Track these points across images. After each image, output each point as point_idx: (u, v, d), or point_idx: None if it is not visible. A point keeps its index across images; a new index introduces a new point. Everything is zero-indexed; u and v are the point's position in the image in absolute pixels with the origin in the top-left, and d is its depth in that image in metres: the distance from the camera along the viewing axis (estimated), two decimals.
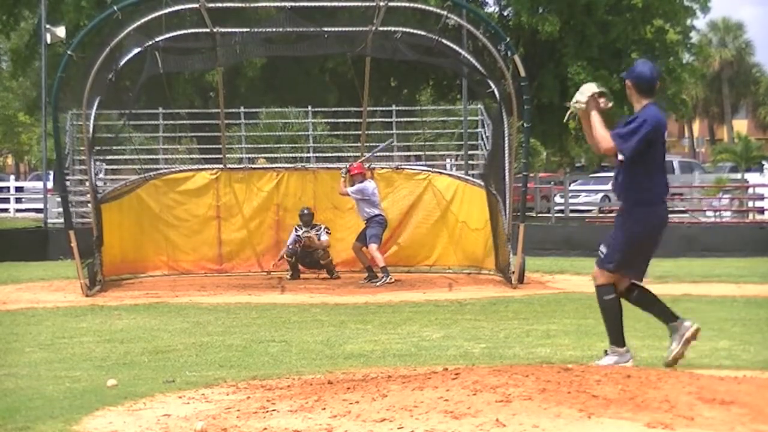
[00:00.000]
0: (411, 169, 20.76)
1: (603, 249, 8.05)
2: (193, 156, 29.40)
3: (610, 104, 8.03)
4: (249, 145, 27.92)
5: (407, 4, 18.44)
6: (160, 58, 17.24)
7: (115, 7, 16.28)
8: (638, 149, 7.77)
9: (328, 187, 19.20)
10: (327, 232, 18.32)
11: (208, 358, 9.84)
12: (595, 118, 7.92)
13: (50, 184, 28.12)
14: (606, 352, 8.12)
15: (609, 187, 37.02)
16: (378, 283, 17.14)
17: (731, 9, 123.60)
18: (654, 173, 7.90)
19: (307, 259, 18.36)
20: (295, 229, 18.47)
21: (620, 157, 7.83)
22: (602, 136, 7.87)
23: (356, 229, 18.10)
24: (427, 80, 39.34)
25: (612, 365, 7.79)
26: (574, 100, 8.06)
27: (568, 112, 8.11)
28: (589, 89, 8.05)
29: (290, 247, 18.36)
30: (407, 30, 17.87)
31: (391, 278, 17.33)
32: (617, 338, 8.06)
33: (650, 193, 7.90)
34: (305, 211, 18.47)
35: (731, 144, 49.18)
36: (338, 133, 29.64)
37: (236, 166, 21.75)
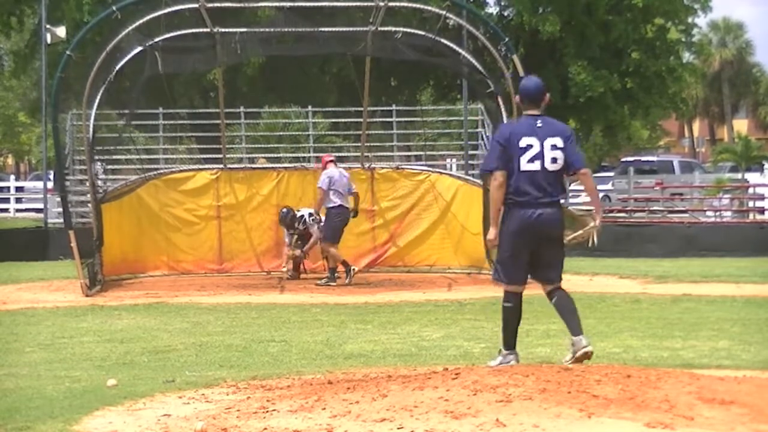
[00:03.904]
0: (411, 169, 20.76)
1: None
2: (193, 156, 29.35)
3: None
4: (249, 145, 27.90)
5: (407, 4, 18.41)
6: (160, 58, 17.23)
7: (114, 7, 16.29)
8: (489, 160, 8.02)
9: None
10: (313, 220, 17.62)
11: (208, 358, 9.84)
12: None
13: (50, 184, 28.10)
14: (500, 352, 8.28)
15: (609, 186, 37.28)
16: (331, 283, 16.93)
17: (731, 9, 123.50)
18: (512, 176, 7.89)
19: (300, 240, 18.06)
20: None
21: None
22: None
23: (355, 230, 18.08)
24: (427, 80, 39.28)
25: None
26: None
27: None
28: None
29: (289, 243, 18.24)
30: (407, 30, 17.85)
31: (338, 280, 17.06)
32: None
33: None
34: (282, 215, 17.97)
35: (731, 144, 49.10)
36: (339, 132, 29.63)
37: (236, 165, 21.74)
